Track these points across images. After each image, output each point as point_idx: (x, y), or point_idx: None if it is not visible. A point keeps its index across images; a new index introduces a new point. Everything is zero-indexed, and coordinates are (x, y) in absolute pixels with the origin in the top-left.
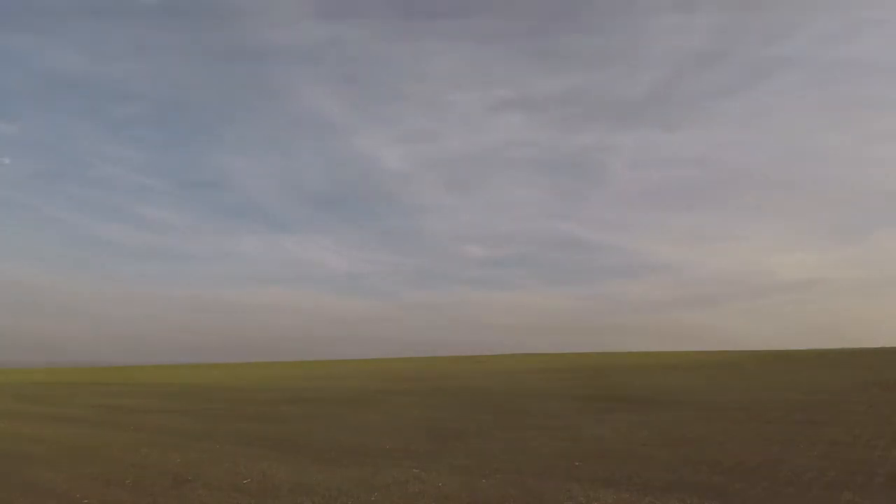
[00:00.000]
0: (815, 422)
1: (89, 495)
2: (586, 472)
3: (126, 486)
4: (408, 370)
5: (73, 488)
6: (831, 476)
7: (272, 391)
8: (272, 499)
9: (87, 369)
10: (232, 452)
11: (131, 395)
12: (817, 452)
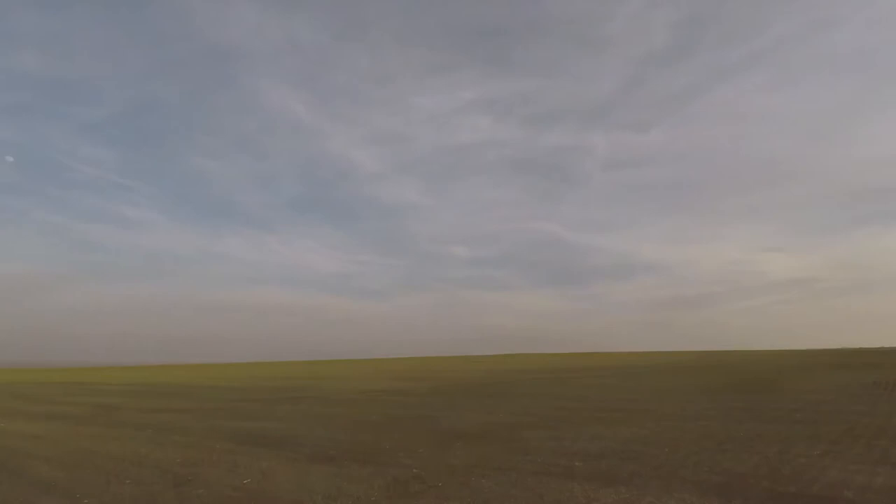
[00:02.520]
0: (815, 422)
1: (89, 494)
2: (586, 472)
3: (126, 485)
4: (406, 370)
5: (73, 487)
6: (831, 476)
7: (272, 391)
8: (272, 499)
9: (84, 369)
10: (232, 452)
11: (130, 394)
12: (817, 452)
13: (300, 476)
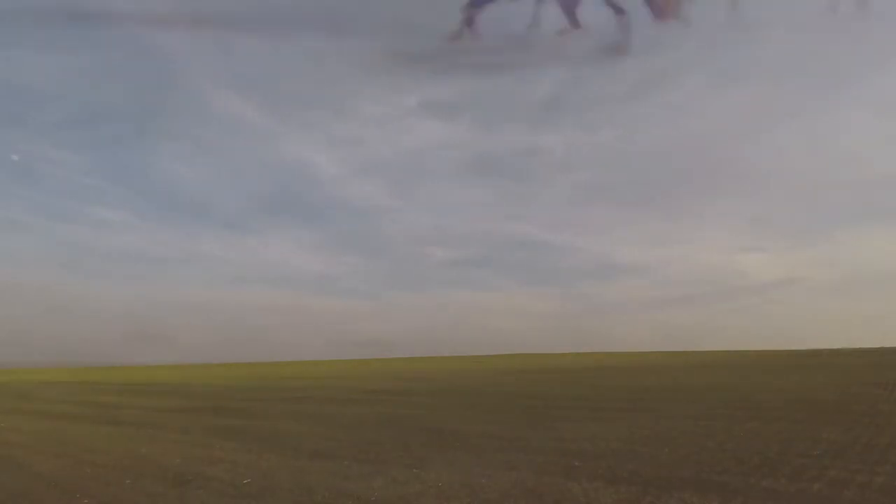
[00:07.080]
0: (815, 422)
1: (89, 493)
2: (586, 472)
3: (126, 485)
4: (404, 370)
5: (73, 486)
6: (831, 476)
7: (272, 390)
8: (272, 499)
9: (81, 369)
10: (232, 452)
11: (130, 393)
12: (817, 452)
13: (300, 475)
